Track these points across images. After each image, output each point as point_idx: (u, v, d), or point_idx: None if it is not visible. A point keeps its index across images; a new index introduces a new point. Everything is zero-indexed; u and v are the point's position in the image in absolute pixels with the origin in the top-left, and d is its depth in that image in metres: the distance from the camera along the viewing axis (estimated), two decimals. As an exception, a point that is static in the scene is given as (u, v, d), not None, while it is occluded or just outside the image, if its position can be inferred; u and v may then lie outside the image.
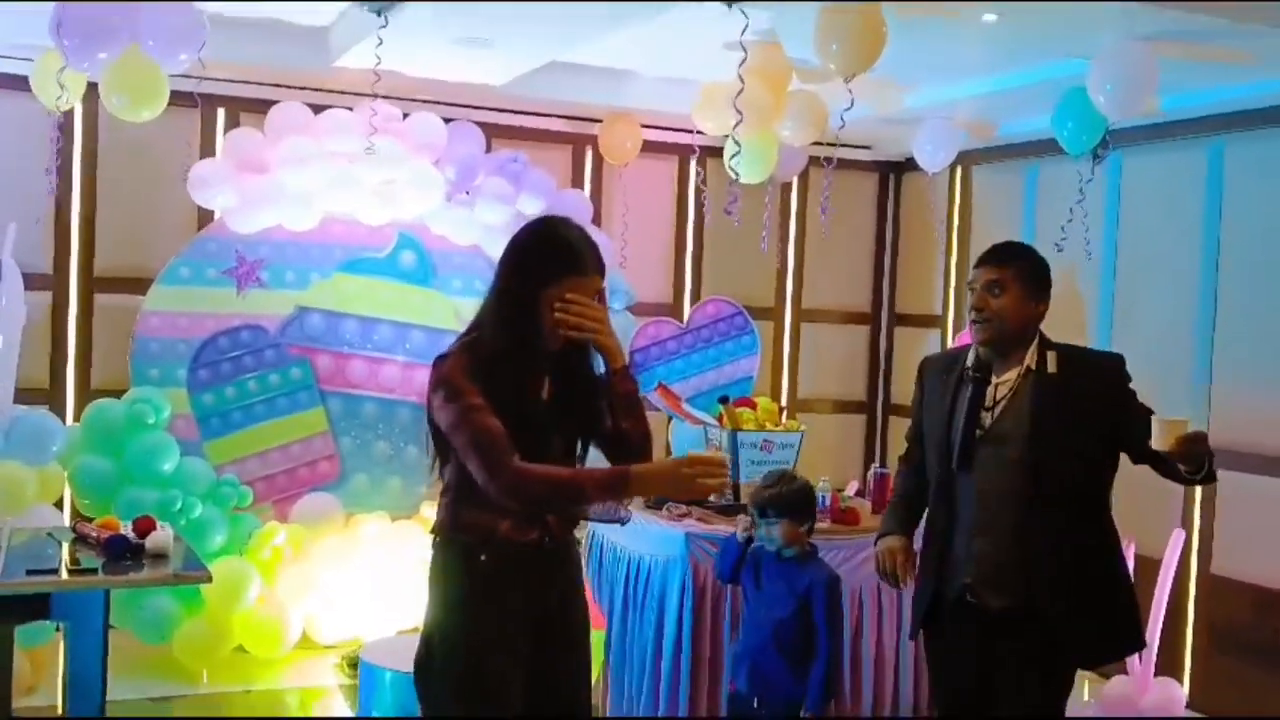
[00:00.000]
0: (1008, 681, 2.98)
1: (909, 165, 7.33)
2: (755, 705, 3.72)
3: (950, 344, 7.04)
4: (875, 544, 3.30)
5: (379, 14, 3.75)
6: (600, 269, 2.77)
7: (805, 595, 3.67)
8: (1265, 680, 5.19)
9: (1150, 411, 2.86)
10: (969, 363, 3.08)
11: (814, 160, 6.68)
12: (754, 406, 5.00)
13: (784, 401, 7.09)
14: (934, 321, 7.31)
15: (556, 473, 2.68)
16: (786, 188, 7.17)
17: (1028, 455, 2.93)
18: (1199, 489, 5.46)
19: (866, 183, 7.51)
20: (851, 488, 5.65)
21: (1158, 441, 2.71)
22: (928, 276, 7.35)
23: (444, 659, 2.76)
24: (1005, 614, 2.95)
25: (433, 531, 2.85)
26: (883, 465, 5.39)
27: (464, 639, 2.75)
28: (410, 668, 3.82)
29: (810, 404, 7.24)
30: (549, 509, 2.73)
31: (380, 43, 3.81)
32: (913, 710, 4.85)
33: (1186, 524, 5.43)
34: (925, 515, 3.21)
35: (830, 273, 7.47)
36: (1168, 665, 5.22)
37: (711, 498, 4.99)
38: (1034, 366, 3.00)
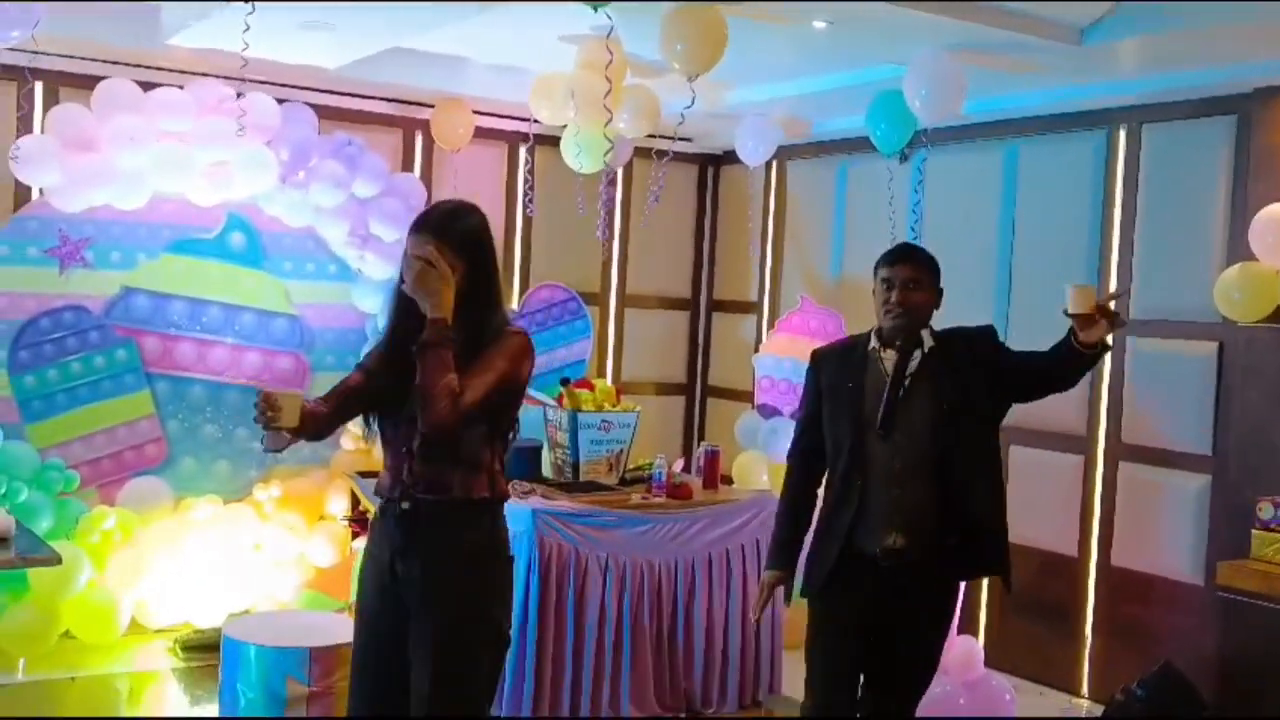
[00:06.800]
0: (919, 617, 3.47)
1: (727, 158, 7.64)
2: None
3: (765, 329, 7.40)
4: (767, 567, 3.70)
5: (248, -1, 3.76)
6: (422, 229, 2.87)
7: None
8: (1049, 637, 5.71)
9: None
10: (873, 345, 3.52)
11: (638, 151, 6.90)
12: (592, 388, 5.19)
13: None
14: (750, 308, 7.65)
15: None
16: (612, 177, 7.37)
17: (937, 415, 3.41)
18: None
19: (688, 174, 7.79)
20: (677, 465, 5.90)
21: (1074, 306, 3.21)
22: (744, 265, 7.68)
23: (496, 622, 2.97)
24: (922, 558, 3.41)
25: (485, 499, 2.94)
26: (710, 444, 5.64)
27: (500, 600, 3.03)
28: (275, 642, 3.90)
29: (633, 386, 7.47)
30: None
31: (248, 28, 3.81)
32: (740, 674, 5.15)
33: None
34: (827, 480, 3.61)
35: (652, 260, 7.73)
36: (967, 625, 5.68)
37: (550, 474, 5.18)
38: (932, 346, 3.48)
